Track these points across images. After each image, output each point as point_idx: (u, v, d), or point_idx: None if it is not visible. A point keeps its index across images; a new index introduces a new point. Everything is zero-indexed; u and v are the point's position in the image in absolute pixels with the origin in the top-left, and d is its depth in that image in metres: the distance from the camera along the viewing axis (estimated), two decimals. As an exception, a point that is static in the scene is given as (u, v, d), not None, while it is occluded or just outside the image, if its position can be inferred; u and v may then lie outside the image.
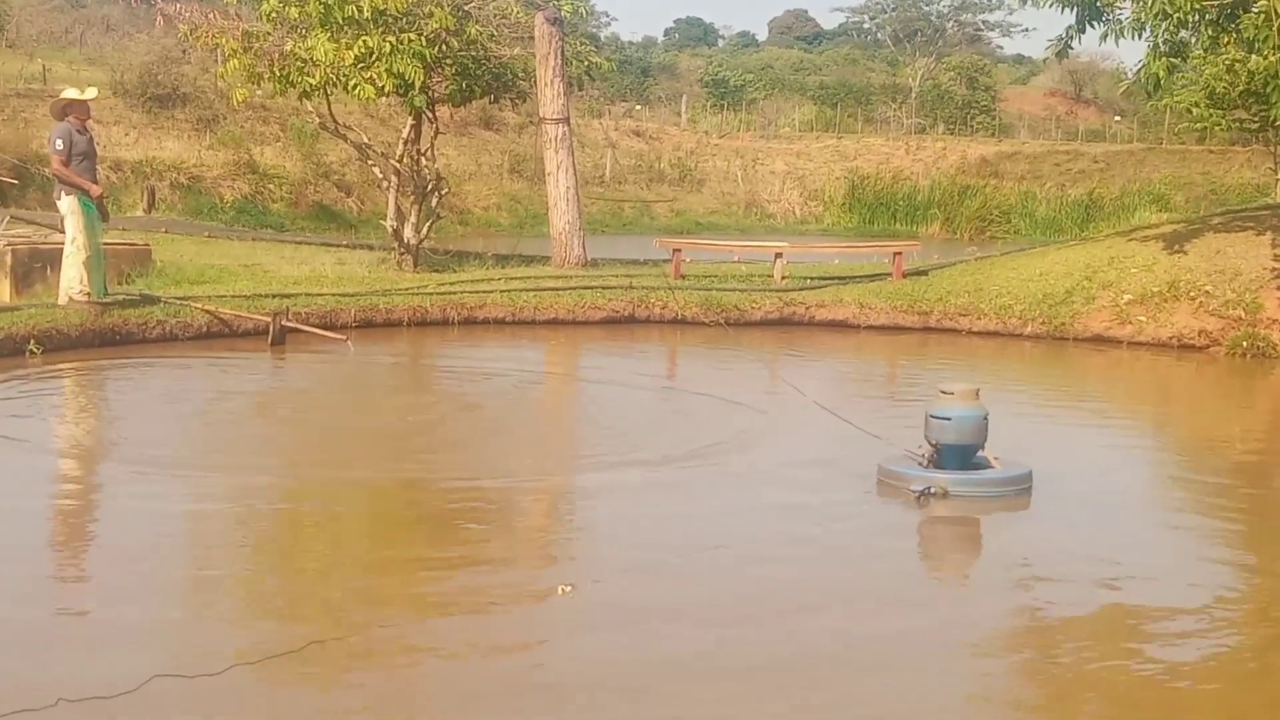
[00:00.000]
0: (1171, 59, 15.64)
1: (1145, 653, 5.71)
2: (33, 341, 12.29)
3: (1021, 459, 8.39)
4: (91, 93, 13.71)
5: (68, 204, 13.00)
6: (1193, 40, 16.32)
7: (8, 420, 9.63)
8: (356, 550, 6.89)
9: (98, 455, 9.09)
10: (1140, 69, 16.06)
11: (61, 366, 11.97)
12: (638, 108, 61.01)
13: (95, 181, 13.20)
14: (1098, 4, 15.83)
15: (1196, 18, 15.30)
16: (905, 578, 6.80)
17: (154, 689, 4.85)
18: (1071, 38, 16.69)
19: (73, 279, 13.11)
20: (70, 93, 13.44)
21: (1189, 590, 6.53)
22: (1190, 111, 39.14)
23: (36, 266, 14.59)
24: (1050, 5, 15.94)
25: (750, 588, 6.36)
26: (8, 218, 18.67)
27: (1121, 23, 15.95)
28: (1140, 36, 15.73)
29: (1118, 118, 64.70)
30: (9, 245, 14.67)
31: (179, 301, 13.99)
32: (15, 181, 29.36)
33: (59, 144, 12.93)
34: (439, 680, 5.24)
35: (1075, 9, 16.03)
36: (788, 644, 5.63)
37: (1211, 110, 32.47)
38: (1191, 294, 15.72)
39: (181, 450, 8.91)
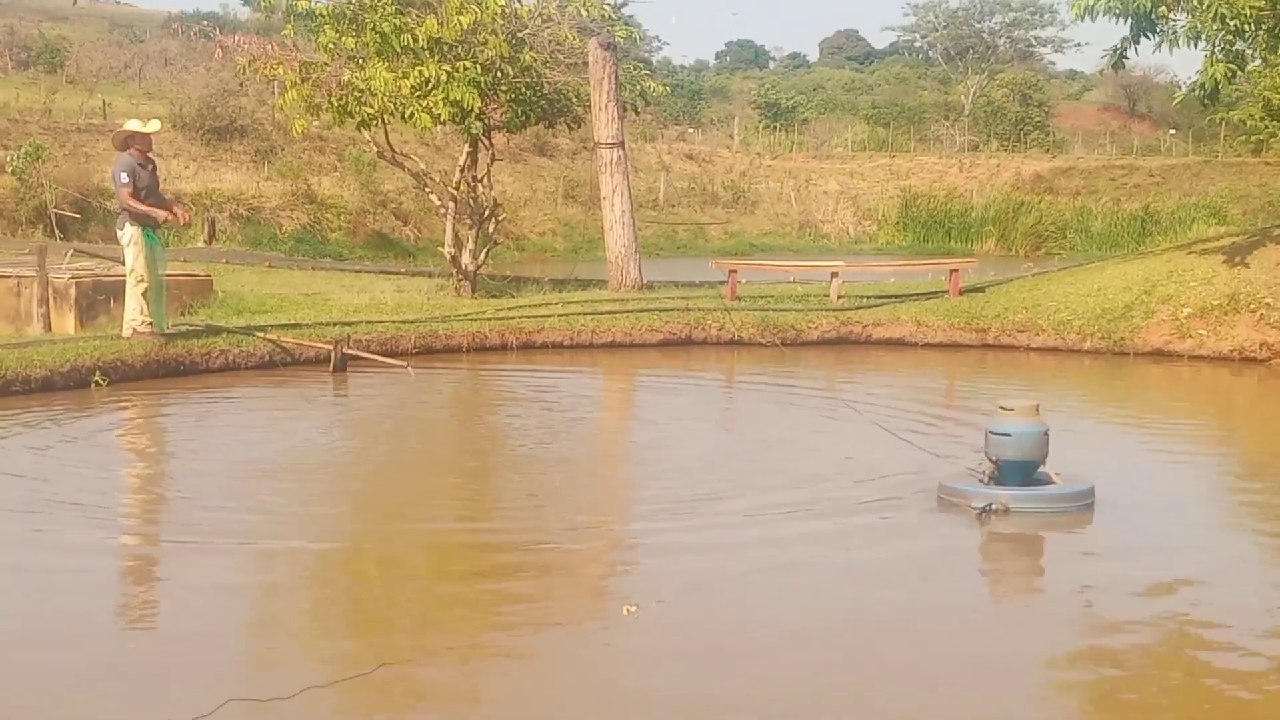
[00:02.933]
0: (1230, 65, 15.56)
1: (1213, 666, 5.68)
2: (98, 373, 12.48)
3: (1083, 474, 8.37)
4: (154, 126, 13.85)
5: (130, 234, 13.15)
6: (1249, 51, 16.25)
7: (87, 448, 9.82)
8: (421, 582, 6.86)
9: (163, 493, 9.04)
10: (1198, 77, 15.98)
11: (128, 397, 12.14)
12: (690, 131, 61.15)
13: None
14: (1152, 15, 15.78)
15: (1253, 26, 15.24)
16: (968, 598, 6.79)
17: (228, 713, 4.93)
18: (1126, 49, 16.63)
19: (134, 310, 13.28)
20: (133, 125, 13.62)
21: (1256, 605, 6.50)
22: (1246, 123, 38.90)
23: (100, 299, 14.84)
24: (1105, 16, 15.87)
25: (820, 609, 6.39)
26: (71, 251, 18.98)
27: (1176, 33, 15.89)
28: (1196, 45, 15.67)
29: (1172, 131, 64.23)
30: (73, 278, 14.91)
31: (242, 331, 14.16)
32: (78, 215, 29.86)
33: (124, 177, 13.10)
34: (508, 699, 5.30)
35: (1129, 20, 15.98)
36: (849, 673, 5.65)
37: (1269, 121, 32.29)
38: (1252, 306, 15.61)
39: (247, 483, 9.02)
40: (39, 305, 14.36)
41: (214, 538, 7.33)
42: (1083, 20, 15.84)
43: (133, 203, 13.12)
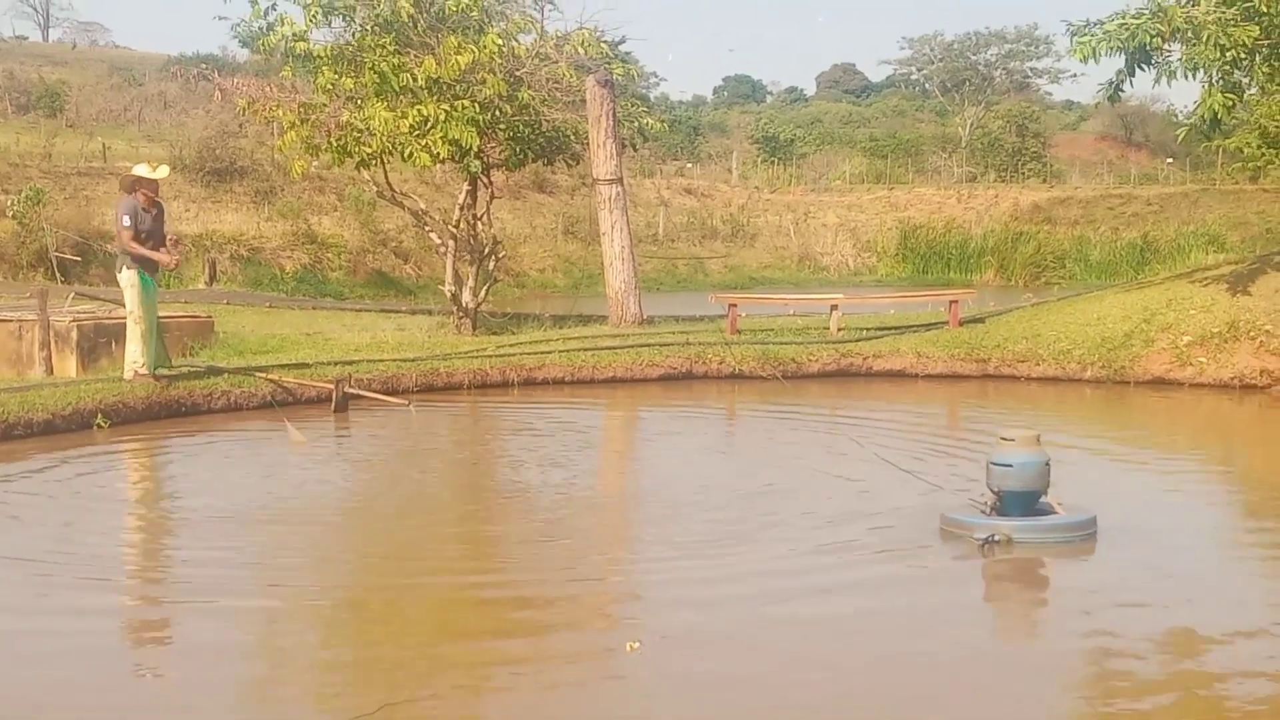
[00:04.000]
0: (1229, 95, 15.61)
1: (1221, 697, 5.68)
2: (100, 415, 12.51)
3: (1085, 504, 8.37)
4: (163, 172, 13.82)
5: (127, 278, 13.21)
6: (1247, 80, 16.29)
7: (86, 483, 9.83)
8: (425, 633, 6.72)
9: (168, 533, 8.99)
10: (1197, 108, 16.02)
11: (128, 440, 12.15)
12: (689, 166, 61.35)
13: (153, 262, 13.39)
14: (1146, 47, 15.83)
15: (1250, 56, 15.30)
16: (971, 630, 6.79)
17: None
18: (1122, 82, 16.69)
19: (136, 353, 13.30)
20: (141, 169, 13.64)
21: (1260, 633, 6.50)
22: (1243, 151, 38.95)
23: (101, 341, 14.84)
24: (1101, 54, 15.90)
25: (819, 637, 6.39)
26: (72, 294, 19.02)
27: (1172, 65, 15.94)
28: (1194, 77, 15.72)
29: (1169, 160, 64.42)
30: (74, 321, 14.92)
31: (243, 371, 14.17)
32: (78, 258, 29.92)
33: (126, 220, 13.16)
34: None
35: (1124, 54, 16.03)
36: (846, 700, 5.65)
37: (1265, 149, 32.36)
38: (1252, 334, 15.63)
39: (248, 526, 9.03)
40: (40, 349, 14.36)
41: (212, 595, 7.14)
42: (1086, 62, 15.89)
43: (133, 245, 13.16)
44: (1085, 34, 15.82)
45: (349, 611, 7.08)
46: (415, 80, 17.36)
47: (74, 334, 14.68)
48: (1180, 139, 18.23)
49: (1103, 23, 15.74)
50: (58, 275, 28.38)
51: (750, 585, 7.25)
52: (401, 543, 8.50)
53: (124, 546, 8.68)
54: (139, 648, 6.63)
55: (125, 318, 13.61)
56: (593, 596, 7.32)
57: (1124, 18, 15.54)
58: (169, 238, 13.60)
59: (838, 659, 6.12)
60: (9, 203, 30.70)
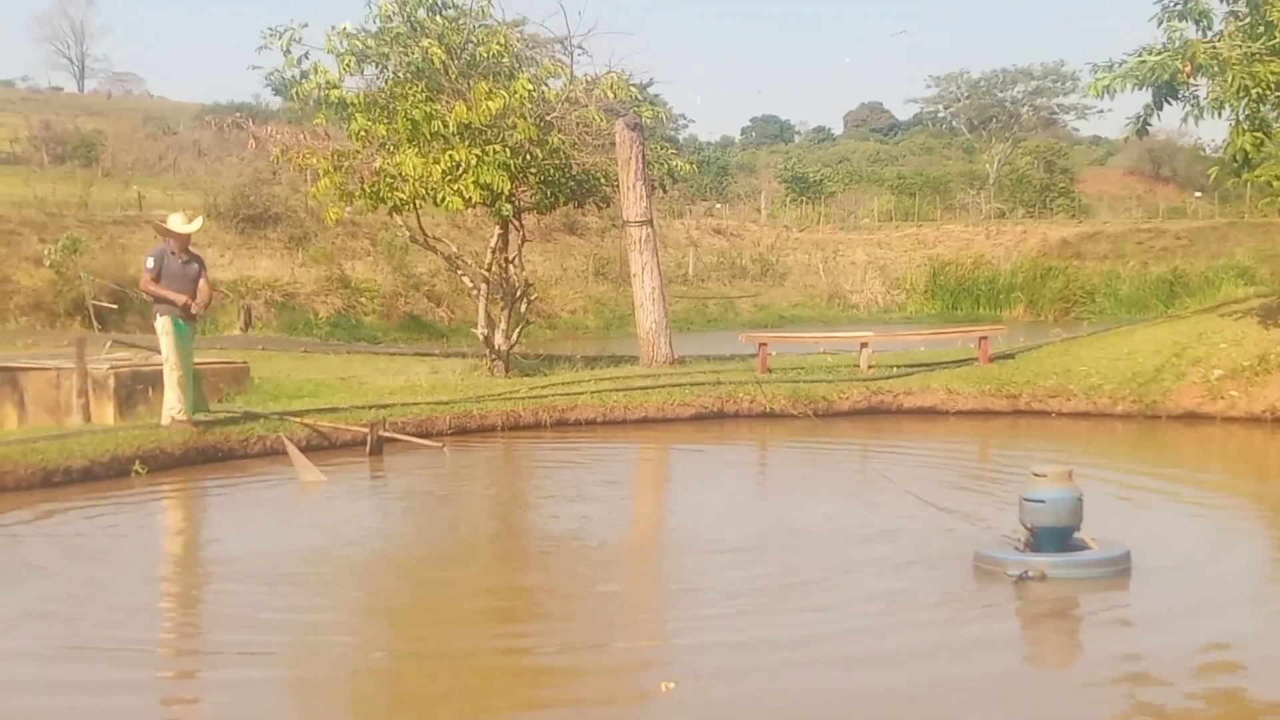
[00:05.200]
0: (1256, 134, 15.66)
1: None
2: (138, 462, 12.65)
3: (1119, 539, 8.40)
4: (193, 226, 13.91)
5: (161, 324, 13.39)
6: (1275, 115, 16.33)
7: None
8: (459, 680, 6.61)
9: (198, 589, 8.89)
10: (1226, 147, 16.09)
11: (166, 486, 12.28)
12: (718, 206, 61.49)
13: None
14: (1173, 83, 15.91)
15: (1276, 91, 15.34)
16: (1005, 668, 6.83)
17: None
18: (1149, 116, 16.77)
19: (173, 399, 13.43)
20: (175, 220, 13.81)
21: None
22: (1272, 185, 38.78)
23: (139, 389, 14.98)
24: (1123, 91, 16.00)
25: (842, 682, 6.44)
26: (110, 342, 19.19)
27: (1199, 101, 16.02)
28: (1220, 115, 15.78)
29: (1198, 194, 64.24)
30: (112, 369, 15.07)
31: (278, 416, 14.30)
32: (115, 306, 30.20)
33: (150, 262, 13.45)
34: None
35: (1150, 89, 16.12)
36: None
37: (1292, 183, 32.17)
38: (1284, 367, 15.61)
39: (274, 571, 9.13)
40: (78, 396, 14.51)
41: (243, 662, 6.80)
42: (1101, 98, 16.01)
43: (150, 287, 13.41)
44: (1102, 72, 15.96)
45: (383, 680, 6.75)
46: (447, 126, 17.54)
47: (111, 381, 14.82)
48: (1212, 179, 18.28)
49: (1125, 60, 15.86)
50: (95, 323, 28.67)
51: (804, 651, 7.09)
52: (436, 600, 8.28)
53: (151, 606, 8.29)
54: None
55: (162, 364, 13.76)
56: (632, 655, 7.25)
57: (1145, 55, 15.64)
58: (202, 288, 13.69)
59: (858, 694, 6.18)
60: (46, 252, 31.06)
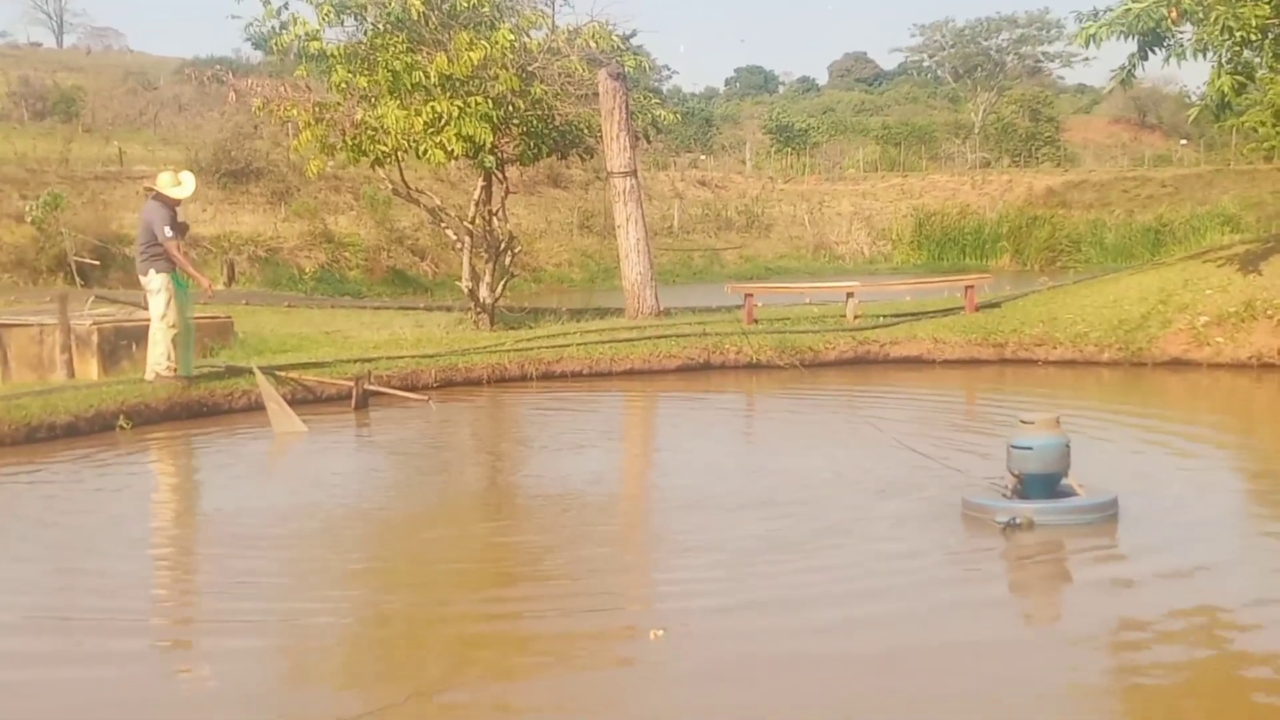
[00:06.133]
0: (1237, 77, 15.61)
1: (1248, 677, 5.71)
2: (122, 417, 12.59)
3: (1106, 485, 8.39)
4: (185, 190, 13.64)
5: (160, 281, 13.23)
6: (1257, 60, 16.29)
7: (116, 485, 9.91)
8: (450, 626, 6.67)
9: (183, 550, 8.78)
10: (1206, 89, 16.06)
11: (151, 440, 12.24)
12: (703, 157, 61.37)
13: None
14: (1158, 30, 15.85)
15: (1260, 35, 15.29)
16: (995, 612, 6.84)
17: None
18: (1134, 66, 16.71)
19: (160, 355, 13.34)
20: (164, 181, 13.55)
21: (1281, 607, 6.54)
22: (1257, 130, 38.86)
23: (122, 344, 14.95)
24: (1112, 37, 15.95)
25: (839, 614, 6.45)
26: (92, 298, 19.13)
27: (1183, 45, 15.96)
28: (1205, 56, 15.73)
29: (1183, 141, 64.28)
30: (95, 324, 15.02)
31: (263, 371, 14.21)
32: (97, 263, 30.07)
33: (169, 231, 13.18)
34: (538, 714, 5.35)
35: (1136, 37, 16.05)
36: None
37: (1279, 129, 32.22)
38: (1269, 312, 15.60)
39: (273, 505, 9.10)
40: (62, 352, 14.46)
41: (228, 630, 6.60)
42: (1087, 46, 15.96)
43: (181, 259, 13.29)
44: (1088, 21, 15.92)
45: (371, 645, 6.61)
46: (428, 78, 17.42)
47: (94, 337, 14.78)
48: (1191, 120, 18.25)
49: (1111, 9, 15.81)
50: (77, 280, 28.56)
51: (772, 574, 7.28)
52: (427, 559, 8.08)
53: (139, 563, 8.14)
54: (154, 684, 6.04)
55: (146, 320, 13.68)
56: (613, 599, 7.32)
57: (1130, 3, 15.58)
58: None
59: (856, 643, 6.18)
60: (27, 208, 30.88)
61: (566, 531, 8.59)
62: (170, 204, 13.41)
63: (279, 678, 6.02)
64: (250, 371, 13.76)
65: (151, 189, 13.64)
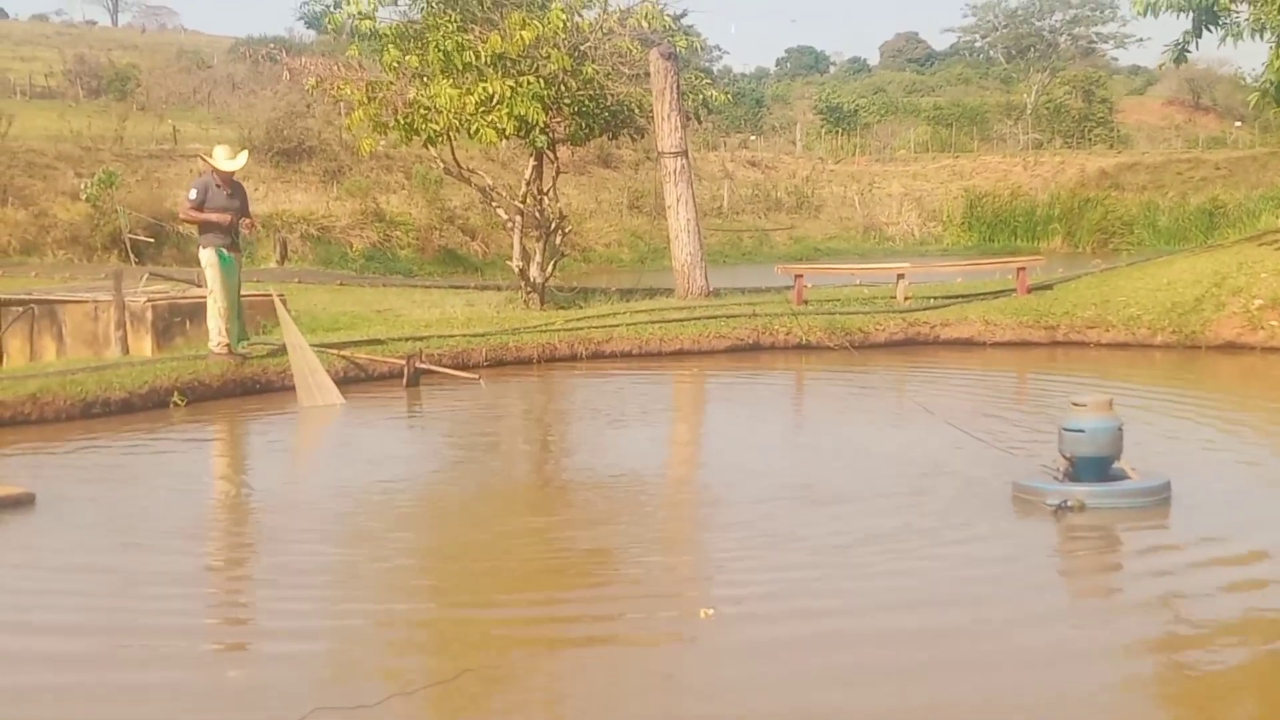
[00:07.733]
0: (1295, 57, 15.47)
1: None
2: (176, 393, 12.70)
3: (1158, 469, 8.35)
4: (237, 163, 13.73)
5: (205, 256, 13.40)
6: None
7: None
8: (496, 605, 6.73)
9: (232, 535, 8.68)
10: (1265, 72, 15.89)
11: (205, 417, 12.34)
12: (753, 138, 61.14)
13: (229, 237, 13.52)
14: (1213, 7, 15.70)
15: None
16: (1047, 594, 6.82)
17: (316, 720, 4.98)
18: (1188, 43, 16.56)
19: (211, 331, 13.50)
20: (219, 154, 13.71)
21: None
22: (1314, 112, 38.33)
23: (176, 321, 15.07)
24: (1167, 10, 15.82)
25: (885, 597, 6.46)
26: (146, 275, 19.27)
27: (1239, 25, 15.81)
28: (1261, 37, 15.57)
29: (1238, 124, 63.54)
30: (149, 301, 15.14)
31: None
32: (151, 240, 30.31)
33: (193, 193, 13.42)
34: (587, 694, 5.41)
35: (1191, 14, 15.92)
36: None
37: (1334, 110, 31.76)
38: (1325, 297, 15.46)
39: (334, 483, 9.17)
40: (116, 329, 14.59)
41: (283, 629, 6.38)
42: (1144, 16, 15.84)
43: (188, 214, 13.46)
44: (1146, -5, 15.81)
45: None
46: (480, 57, 17.45)
47: (149, 314, 14.90)
48: (1252, 105, 18.06)
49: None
50: (131, 257, 28.78)
51: (823, 551, 7.30)
52: (481, 548, 7.81)
53: (188, 545, 8.00)
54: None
55: (202, 296, 13.79)
56: (664, 578, 7.35)
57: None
58: (244, 221, 13.68)
59: (903, 623, 6.18)
60: (83, 186, 31.14)
61: (620, 513, 8.61)
62: (223, 177, 13.52)
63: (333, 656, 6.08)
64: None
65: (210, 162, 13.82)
